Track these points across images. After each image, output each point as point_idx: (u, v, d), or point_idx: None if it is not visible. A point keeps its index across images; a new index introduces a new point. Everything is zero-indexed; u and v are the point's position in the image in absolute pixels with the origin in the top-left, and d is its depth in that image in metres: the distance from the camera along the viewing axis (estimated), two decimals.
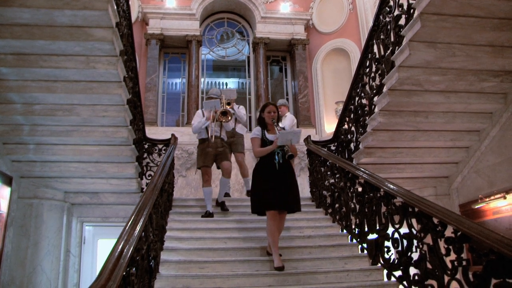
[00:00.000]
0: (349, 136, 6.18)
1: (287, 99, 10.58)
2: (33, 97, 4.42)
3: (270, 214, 4.26)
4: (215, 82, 10.85)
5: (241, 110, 6.61)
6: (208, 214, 5.56)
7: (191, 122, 6.27)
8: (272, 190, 4.30)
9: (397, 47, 4.38)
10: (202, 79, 10.47)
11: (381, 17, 4.98)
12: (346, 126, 6.33)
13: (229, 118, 5.96)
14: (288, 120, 6.86)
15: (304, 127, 9.47)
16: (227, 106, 6.12)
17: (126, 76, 4.67)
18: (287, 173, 4.48)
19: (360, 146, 5.60)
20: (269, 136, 4.59)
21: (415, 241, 3.54)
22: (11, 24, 3.60)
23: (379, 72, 5.03)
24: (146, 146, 6.70)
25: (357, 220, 4.78)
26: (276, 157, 4.44)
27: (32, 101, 4.50)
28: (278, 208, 4.31)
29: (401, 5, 4.45)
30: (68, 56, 3.99)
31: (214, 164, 6.11)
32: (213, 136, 5.84)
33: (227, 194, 6.54)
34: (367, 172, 4.55)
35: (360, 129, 5.69)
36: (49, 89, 4.30)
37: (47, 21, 3.60)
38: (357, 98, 5.92)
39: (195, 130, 6.07)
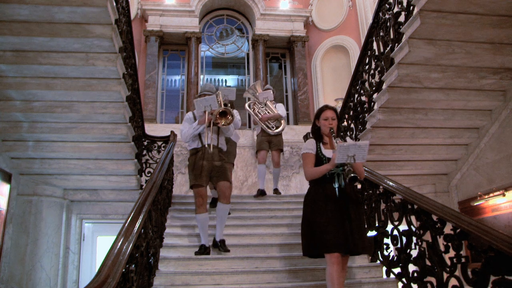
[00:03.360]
0: (348, 133, 6.17)
1: (286, 96, 10.60)
2: (32, 94, 4.41)
3: (333, 258, 3.20)
4: (215, 79, 10.84)
5: (235, 114, 5.41)
6: (204, 250, 4.44)
7: (180, 127, 5.05)
8: (332, 225, 3.25)
9: (396, 44, 4.37)
10: (202, 76, 10.46)
11: (380, 14, 4.98)
12: (345, 123, 6.33)
13: (230, 119, 4.65)
14: (281, 108, 6.59)
15: (304, 124, 9.48)
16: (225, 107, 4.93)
17: (125, 73, 4.66)
18: (351, 201, 3.38)
19: None
20: (326, 152, 3.49)
21: (414, 238, 3.55)
22: (10, 21, 3.59)
23: (379, 69, 5.03)
24: (145, 143, 6.70)
25: None
26: (336, 180, 3.38)
27: (31, 98, 4.49)
28: (343, 251, 3.25)
29: (400, 2, 4.44)
30: (67, 53, 3.99)
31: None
32: (211, 145, 4.61)
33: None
34: (366, 169, 4.55)
35: (360, 126, 5.68)
36: (48, 86, 4.30)
37: (46, 18, 3.59)
38: (356, 95, 5.91)
39: (185, 138, 4.79)
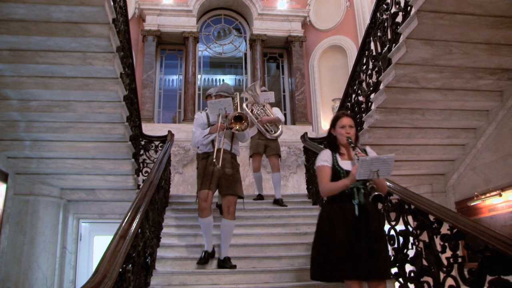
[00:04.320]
0: None
1: (284, 96, 10.59)
2: (29, 94, 4.40)
3: (354, 285, 2.84)
4: (212, 79, 10.83)
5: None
6: (207, 256, 4.21)
7: (192, 129, 4.72)
8: (351, 248, 2.85)
9: (394, 45, 4.38)
10: (199, 76, 10.44)
11: (378, 14, 4.98)
12: None
13: (245, 125, 4.31)
14: (279, 113, 6.30)
15: (301, 124, 9.49)
16: (240, 110, 4.65)
17: (123, 72, 4.65)
18: (372, 219, 2.99)
19: None
20: (344, 164, 3.12)
21: (411, 238, 3.55)
22: (7, 20, 3.58)
23: (376, 69, 5.04)
24: (142, 142, 6.69)
25: None
26: (356, 197, 3.00)
27: (28, 98, 4.48)
28: (362, 278, 2.86)
29: (398, 3, 4.45)
30: (64, 52, 3.97)
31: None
32: (221, 150, 4.27)
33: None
34: None
35: (357, 126, 5.69)
36: (45, 86, 4.28)
37: (43, 17, 3.58)
38: (353, 95, 5.92)
39: (196, 143, 4.56)
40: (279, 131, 6.16)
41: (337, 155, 3.17)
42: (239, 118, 4.29)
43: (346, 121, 3.20)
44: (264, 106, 6.20)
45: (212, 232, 4.37)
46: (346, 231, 2.91)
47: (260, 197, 6.23)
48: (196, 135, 4.51)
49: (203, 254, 4.25)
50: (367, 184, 2.85)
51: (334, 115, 3.41)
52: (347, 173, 3.02)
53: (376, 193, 2.76)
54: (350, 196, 3.00)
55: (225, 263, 4.14)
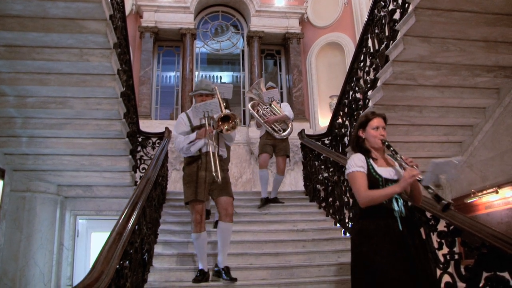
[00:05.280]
0: (343, 130, 6.19)
1: (281, 93, 10.57)
2: (25, 90, 4.38)
3: None
4: (210, 76, 10.81)
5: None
6: (203, 276, 3.82)
7: (173, 133, 4.35)
8: (400, 269, 2.49)
9: (391, 42, 4.38)
10: (196, 73, 10.42)
11: (375, 11, 4.98)
12: (340, 120, 6.34)
13: (232, 124, 4.00)
14: (287, 108, 5.97)
15: (298, 120, 9.47)
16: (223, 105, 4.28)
17: (120, 69, 4.64)
18: (416, 234, 2.70)
19: None
20: (381, 171, 2.75)
21: None
22: (3, 16, 3.57)
23: (373, 66, 5.04)
24: (140, 139, 6.69)
25: (351, 214, 4.81)
26: (396, 206, 2.65)
27: (24, 94, 4.47)
28: None
29: (395, 0, 4.45)
30: (61, 49, 3.96)
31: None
32: (214, 153, 3.90)
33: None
34: None
35: (354, 123, 5.69)
36: (42, 82, 4.27)
37: (39, 13, 3.57)
38: (351, 92, 5.92)
39: (179, 150, 4.07)
40: (288, 130, 5.79)
41: (371, 161, 2.77)
42: (226, 119, 3.97)
43: (379, 122, 2.86)
44: (270, 105, 5.84)
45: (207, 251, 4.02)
46: (392, 250, 2.51)
47: (267, 200, 5.75)
48: (179, 140, 4.03)
49: (199, 273, 3.85)
50: (429, 191, 2.51)
51: (363, 115, 3.03)
52: (386, 181, 2.68)
53: (445, 201, 2.44)
54: (390, 208, 2.62)
55: (225, 274, 3.79)
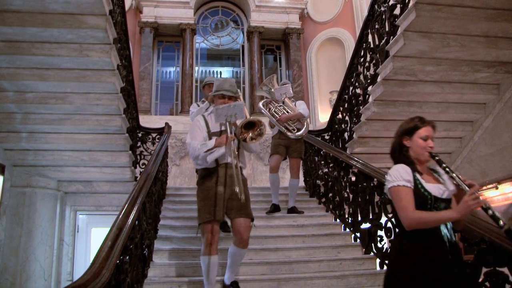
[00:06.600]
0: (343, 125, 6.19)
1: None
2: (25, 85, 4.38)
3: None
4: (210, 71, 10.80)
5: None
6: None
7: (187, 140, 3.58)
8: None
9: (391, 37, 4.37)
10: (196, 68, 10.42)
11: (376, 6, 4.97)
12: (340, 116, 6.34)
13: (258, 131, 3.40)
14: (302, 106, 5.43)
15: None
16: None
17: (120, 64, 4.63)
18: (462, 264, 2.32)
19: (354, 135, 5.61)
20: (431, 188, 2.28)
21: None
22: (2, 11, 3.55)
23: (374, 61, 5.03)
24: (140, 134, 6.69)
25: (351, 209, 4.81)
26: (444, 229, 2.24)
27: (24, 89, 4.46)
28: None
29: None
30: (60, 44, 3.95)
31: None
32: (236, 165, 3.28)
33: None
34: (360, 161, 4.57)
35: (354, 119, 5.69)
36: (41, 77, 4.26)
37: (39, 8, 3.55)
38: (351, 88, 5.92)
39: (196, 157, 3.42)
40: (302, 130, 5.26)
41: (417, 174, 2.32)
42: (250, 125, 3.39)
43: (429, 131, 2.39)
44: (283, 102, 5.33)
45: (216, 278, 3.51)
46: (441, 278, 2.12)
47: (276, 208, 5.31)
48: (194, 146, 3.40)
49: None
50: (489, 212, 2.14)
51: (408, 120, 2.51)
52: (436, 200, 2.25)
53: (503, 223, 2.12)
54: (437, 232, 2.22)
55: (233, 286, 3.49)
